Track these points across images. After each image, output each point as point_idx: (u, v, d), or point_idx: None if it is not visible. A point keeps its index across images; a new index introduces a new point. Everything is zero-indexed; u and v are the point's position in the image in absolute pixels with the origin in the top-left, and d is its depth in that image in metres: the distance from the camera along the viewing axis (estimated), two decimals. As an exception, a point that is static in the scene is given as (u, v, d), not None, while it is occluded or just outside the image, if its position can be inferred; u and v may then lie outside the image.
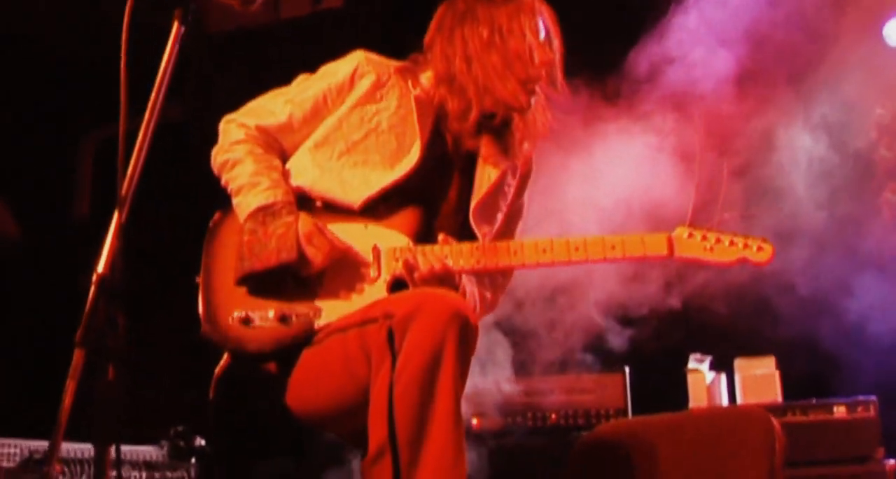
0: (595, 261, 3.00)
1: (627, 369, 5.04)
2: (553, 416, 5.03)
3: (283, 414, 2.92)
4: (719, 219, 3.00)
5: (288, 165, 3.14)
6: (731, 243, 2.98)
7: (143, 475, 4.31)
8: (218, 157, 3.15)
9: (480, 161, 3.16)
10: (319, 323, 2.92)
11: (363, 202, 3.02)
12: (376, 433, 2.54)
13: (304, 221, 2.96)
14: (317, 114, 3.13)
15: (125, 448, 4.23)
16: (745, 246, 2.98)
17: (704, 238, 2.98)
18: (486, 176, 3.15)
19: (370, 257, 3.00)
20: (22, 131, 5.85)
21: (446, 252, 2.96)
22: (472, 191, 3.13)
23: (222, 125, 3.19)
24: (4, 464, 3.79)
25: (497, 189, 3.18)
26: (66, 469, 3.95)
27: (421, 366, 2.55)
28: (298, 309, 2.94)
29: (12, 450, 3.82)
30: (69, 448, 3.93)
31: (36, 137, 5.98)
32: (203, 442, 4.52)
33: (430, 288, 2.85)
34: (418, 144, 3.07)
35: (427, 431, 2.52)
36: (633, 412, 4.98)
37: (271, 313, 2.93)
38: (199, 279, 3.05)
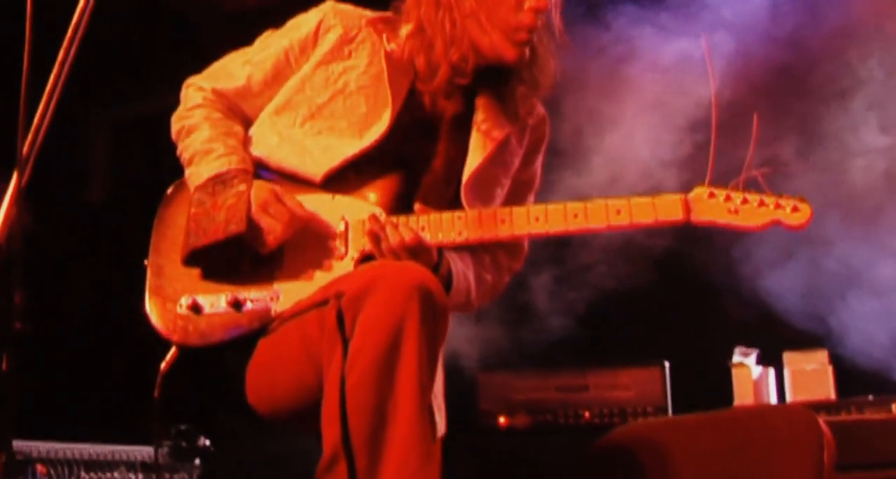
0: (597, 229, 2.58)
1: (667, 364, 4.68)
2: (587, 414, 4.70)
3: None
4: (745, 176, 2.55)
5: (250, 132, 2.82)
6: (761, 203, 2.51)
7: (140, 476, 4.03)
8: (175, 124, 2.85)
9: (476, 126, 2.76)
10: (277, 309, 2.59)
11: (325, 175, 2.68)
12: (329, 436, 2.18)
13: (259, 189, 2.62)
14: (279, 74, 2.80)
15: (119, 449, 3.98)
16: (778, 206, 2.50)
17: (728, 199, 2.52)
18: (481, 144, 2.75)
19: (338, 231, 2.65)
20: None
21: (423, 223, 2.59)
22: (464, 162, 2.74)
23: (183, 89, 2.90)
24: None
25: (494, 160, 2.77)
26: (51, 471, 3.71)
27: (376, 352, 2.18)
28: (254, 293, 2.61)
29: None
30: (53, 448, 3.69)
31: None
32: (208, 442, 4.26)
33: (390, 260, 2.48)
34: (389, 108, 2.70)
35: (387, 431, 2.15)
36: (674, 411, 4.66)
37: (223, 299, 2.61)
38: (148, 262, 2.74)
